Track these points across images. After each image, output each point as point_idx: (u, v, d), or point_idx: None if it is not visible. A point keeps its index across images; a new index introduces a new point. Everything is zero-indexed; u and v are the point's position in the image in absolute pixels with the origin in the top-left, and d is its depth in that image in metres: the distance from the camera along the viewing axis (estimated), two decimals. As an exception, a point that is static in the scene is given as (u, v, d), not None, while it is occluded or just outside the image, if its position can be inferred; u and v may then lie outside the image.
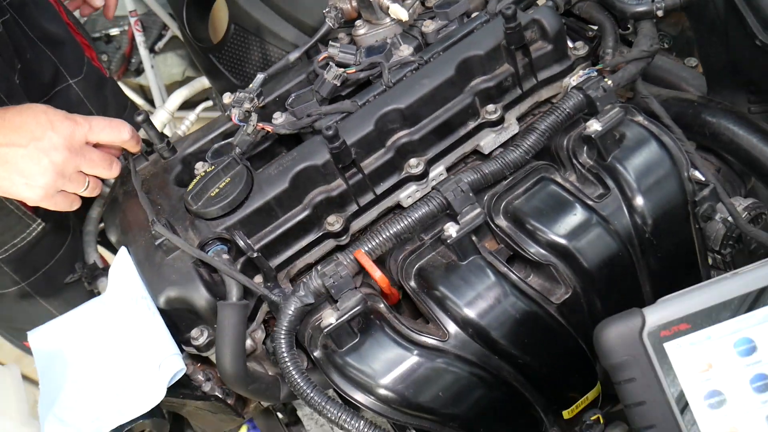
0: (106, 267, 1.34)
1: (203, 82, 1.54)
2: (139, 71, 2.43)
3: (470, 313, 0.82)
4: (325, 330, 0.80)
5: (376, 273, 0.78)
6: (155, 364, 0.83)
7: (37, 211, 1.25)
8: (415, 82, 0.98)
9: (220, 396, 0.94)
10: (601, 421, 0.89)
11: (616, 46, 1.04)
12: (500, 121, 1.00)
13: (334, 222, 0.95)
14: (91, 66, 1.40)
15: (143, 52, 2.23)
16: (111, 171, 0.99)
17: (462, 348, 0.82)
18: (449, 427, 0.82)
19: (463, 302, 0.82)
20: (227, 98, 1.08)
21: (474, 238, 0.86)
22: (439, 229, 0.89)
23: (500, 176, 0.90)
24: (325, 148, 0.94)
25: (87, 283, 1.32)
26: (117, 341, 0.90)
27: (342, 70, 1.03)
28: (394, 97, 0.97)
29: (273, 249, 0.93)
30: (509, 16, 0.94)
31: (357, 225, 0.98)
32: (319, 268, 0.83)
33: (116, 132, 0.97)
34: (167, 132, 1.54)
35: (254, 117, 1.01)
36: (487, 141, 1.02)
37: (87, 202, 1.47)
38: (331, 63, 1.03)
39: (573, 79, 1.01)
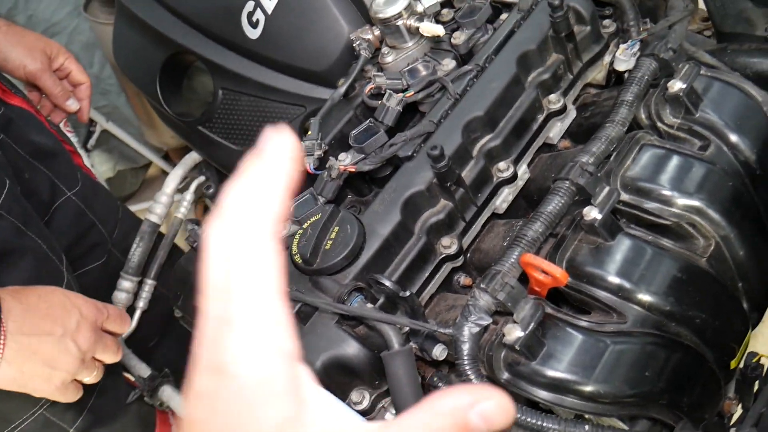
0: (165, 373, 1.20)
1: (194, 157, 1.45)
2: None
3: (641, 287, 0.81)
4: (517, 344, 0.76)
5: (557, 270, 0.75)
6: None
7: None
8: (485, 88, 0.98)
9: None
10: (763, 363, 0.90)
11: (637, 18, 1.09)
12: (564, 109, 1.02)
13: (450, 244, 0.92)
14: (83, 174, 1.28)
15: (82, 153, 2.06)
16: (118, 355, 0.96)
17: (642, 324, 0.81)
18: (657, 404, 0.80)
19: (631, 279, 0.81)
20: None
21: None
22: (569, 219, 0.88)
23: (607, 153, 0.91)
24: (425, 170, 0.91)
25: (149, 396, 1.18)
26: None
27: (401, 95, 1.00)
28: (470, 106, 0.96)
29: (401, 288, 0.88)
30: (556, 6, 0.97)
31: (465, 243, 0.96)
32: (482, 285, 0.79)
33: (124, 323, 0.98)
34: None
35: (334, 161, 0.96)
36: (555, 131, 1.04)
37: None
38: (389, 91, 1.00)
39: (619, 54, 1.05)
